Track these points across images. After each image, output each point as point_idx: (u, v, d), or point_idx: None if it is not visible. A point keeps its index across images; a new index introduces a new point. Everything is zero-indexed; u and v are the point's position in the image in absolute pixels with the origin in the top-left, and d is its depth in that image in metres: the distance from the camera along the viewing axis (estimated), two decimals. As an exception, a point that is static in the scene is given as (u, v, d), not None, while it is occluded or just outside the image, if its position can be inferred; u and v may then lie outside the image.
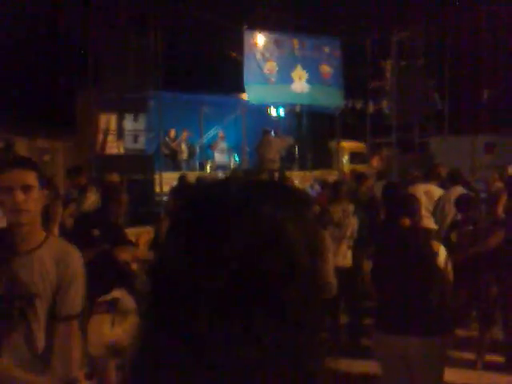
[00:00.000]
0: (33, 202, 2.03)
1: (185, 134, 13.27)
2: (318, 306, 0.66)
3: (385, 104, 14.60)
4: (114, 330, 2.68)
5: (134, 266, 3.63)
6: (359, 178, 7.50)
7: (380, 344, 3.44)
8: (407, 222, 3.39)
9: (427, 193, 6.16)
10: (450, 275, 3.47)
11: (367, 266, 3.72)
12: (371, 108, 14.94)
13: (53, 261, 2.07)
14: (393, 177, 11.57)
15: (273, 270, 0.60)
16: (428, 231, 4.96)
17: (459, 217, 4.99)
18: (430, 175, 6.74)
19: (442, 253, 3.40)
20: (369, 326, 4.40)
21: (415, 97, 13.87)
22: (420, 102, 13.96)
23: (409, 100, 13.88)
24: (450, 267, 3.47)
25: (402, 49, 14.37)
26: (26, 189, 2.01)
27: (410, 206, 3.48)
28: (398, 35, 14.16)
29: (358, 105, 15.24)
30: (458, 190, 5.65)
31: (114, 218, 3.97)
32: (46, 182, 2.33)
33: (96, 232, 3.83)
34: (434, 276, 3.32)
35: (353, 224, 5.37)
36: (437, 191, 6.33)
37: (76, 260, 2.12)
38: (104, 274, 3.45)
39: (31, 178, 2.03)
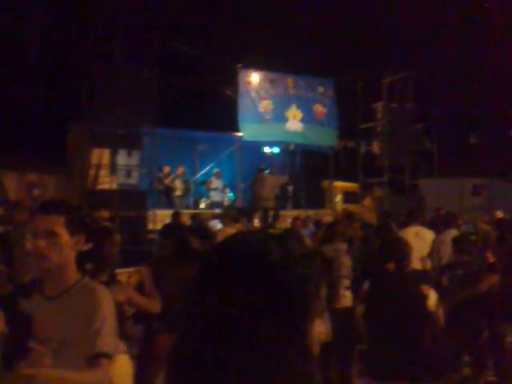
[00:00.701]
0: (56, 249, 1.95)
1: (180, 170, 13.08)
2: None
3: (376, 145, 14.80)
4: None
5: (126, 308, 3.57)
6: (350, 217, 7.58)
7: (372, 390, 3.40)
8: (391, 266, 3.40)
9: (418, 235, 6.22)
10: (441, 319, 3.47)
11: (360, 309, 3.71)
12: (363, 148, 15.13)
13: (81, 303, 2.00)
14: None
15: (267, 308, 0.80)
16: (417, 274, 4.95)
17: (453, 259, 5.02)
18: (413, 217, 6.75)
19: (433, 297, 3.39)
20: (362, 371, 4.34)
21: (405, 138, 14.12)
22: (409, 143, 14.21)
23: (399, 141, 14.12)
24: (440, 311, 3.46)
25: (392, 91, 14.71)
26: (50, 235, 1.93)
27: (396, 250, 3.47)
28: (389, 78, 14.52)
29: (350, 145, 15.42)
30: (452, 233, 5.71)
31: (107, 259, 3.94)
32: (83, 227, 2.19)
33: (89, 266, 3.75)
34: (423, 321, 3.31)
35: (346, 263, 5.33)
36: (428, 233, 6.39)
37: (105, 301, 2.04)
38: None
39: (57, 223, 1.94)
